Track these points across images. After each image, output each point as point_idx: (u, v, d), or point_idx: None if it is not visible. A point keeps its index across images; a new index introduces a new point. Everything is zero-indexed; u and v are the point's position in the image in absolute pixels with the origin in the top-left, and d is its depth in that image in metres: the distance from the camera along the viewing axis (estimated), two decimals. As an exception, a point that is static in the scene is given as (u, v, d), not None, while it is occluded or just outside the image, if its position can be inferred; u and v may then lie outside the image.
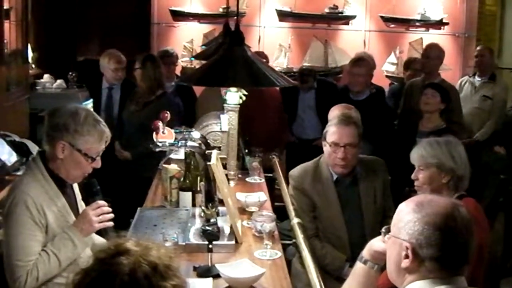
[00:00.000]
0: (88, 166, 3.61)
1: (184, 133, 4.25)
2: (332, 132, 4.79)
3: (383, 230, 2.67)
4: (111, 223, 3.65)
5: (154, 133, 4.13)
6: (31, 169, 3.61)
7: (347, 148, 4.72)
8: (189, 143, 4.19)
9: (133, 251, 1.98)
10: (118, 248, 1.99)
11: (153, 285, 1.94)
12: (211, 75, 3.10)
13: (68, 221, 3.61)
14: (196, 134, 4.29)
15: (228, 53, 3.04)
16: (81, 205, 3.84)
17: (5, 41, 6.41)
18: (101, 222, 3.61)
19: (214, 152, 4.21)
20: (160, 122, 4.16)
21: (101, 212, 3.61)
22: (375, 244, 2.79)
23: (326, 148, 4.83)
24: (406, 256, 2.42)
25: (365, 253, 2.88)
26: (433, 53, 7.71)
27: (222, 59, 3.06)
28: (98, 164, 3.64)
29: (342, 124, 4.79)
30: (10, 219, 3.45)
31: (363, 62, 7.39)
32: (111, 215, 3.65)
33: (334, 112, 5.69)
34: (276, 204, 5.35)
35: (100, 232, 3.79)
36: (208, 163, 4.06)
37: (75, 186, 3.85)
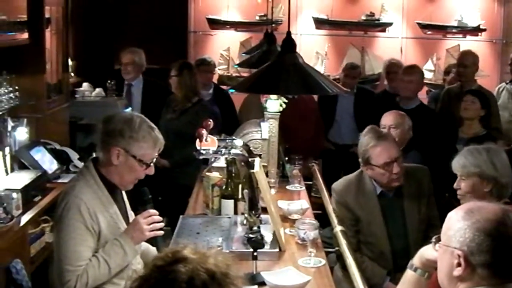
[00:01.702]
0: (141, 172, 3.65)
1: (227, 141, 4.26)
2: (377, 153, 4.68)
3: (433, 239, 2.65)
4: (161, 232, 3.68)
5: (198, 140, 4.14)
6: (84, 175, 3.64)
7: (398, 161, 4.67)
8: (233, 150, 4.19)
9: (190, 258, 1.98)
10: (176, 255, 2.00)
11: None
12: (263, 82, 3.10)
13: (120, 228, 3.64)
14: (239, 142, 4.30)
15: (280, 60, 3.04)
16: (131, 213, 3.87)
17: (46, 50, 6.47)
18: (152, 230, 3.64)
19: (257, 160, 4.21)
20: (204, 129, 4.17)
21: (152, 221, 3.63)
22: (427, 252, 2.77)
23: (375, 171, 4.72)
24: (458, 264, 2.40)
25: (416, 260, 2.86)
26: (468, 61, 7.66)
27: (273, 66, 3.06)
28: (151, 170, 3.67)
29: (382, 141, 4.72)
30: (62, 224, 3.49)
31: (414, 70, 7.33)
32: (162, 224, 3.68)
33: (386, 118, 5.69)
34: (314, 212, 5.33)
35: (150, 241, 3.82)
36: (252, 170, 4.06)
37: (124, 194, 3.88)
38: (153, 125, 3.72)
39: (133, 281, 2.00)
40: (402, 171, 4.71)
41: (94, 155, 3.83)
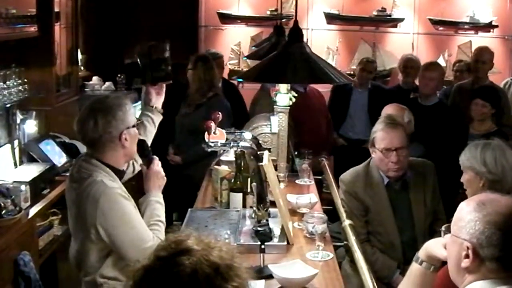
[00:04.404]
0: (137, 132, 3.82)
1: (236, 134, 4.23)
2: (381, 137, 4.73)
3: (442, 229, 2.63)
4: None
5: (206, 133, 4.12)
6: (95, 169, 3.62)
7: (398, 152, 4.67)
8: (241, 143, 4.16)
9: (195, 250, 1.94)
10: (180, 246, 1.96)
11: (214, 287, 1.93)
12: (270, 71, 3.08)
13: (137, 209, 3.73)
14: (247, 135, 4.27)
15: (287, 50, 3.01)
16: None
17: (55, 43, 6.47)
18: None
19: (266, 153, 4.19)
20: (212, 122, 4.15)
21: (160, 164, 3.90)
22: (434, 249, 2.74)
23: (377, 154, 4.77)
24: (467, 256, 2.38)
25: (421, 253, 2.84)
26: (485, 57, 7.60)
27: (281, 55, 3.03)
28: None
29: (390, 128, 4.74)
30: (118, 219, 3.52)
31: (436, 66, 7.29)
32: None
33: (386, 111, 5.67)
34: (324, 207, 5.31)
35: None
36: (261, 163, 4.04)
37: None
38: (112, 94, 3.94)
39: (136, 270, 1.97)
40: (403, 164, 4.73)
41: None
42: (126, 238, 3.52)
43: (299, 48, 2.98)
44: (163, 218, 3.78)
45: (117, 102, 3.69)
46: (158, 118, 4.40)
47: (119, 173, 3.74)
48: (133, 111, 3.83)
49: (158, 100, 4.42)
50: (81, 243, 3.64)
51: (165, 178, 3.90)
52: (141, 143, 3.85)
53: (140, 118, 4.27)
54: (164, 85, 4.42)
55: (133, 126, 3.73)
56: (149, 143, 4.13)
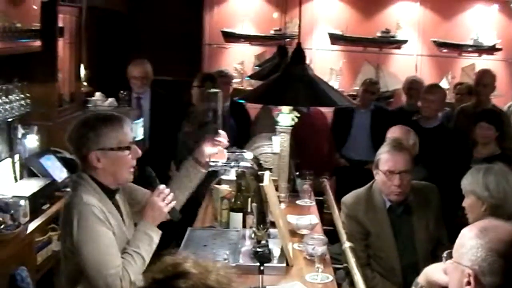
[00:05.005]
0: (128, 158, 3.55)
1: (237, 153, 4.21)
2: (385, 160, 4.69)
3: (444, 255, 2.59)
4: (174, 203, 3.67)
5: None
6: (81, 185, 3.54)
7: (402, 175, 4.63)
8: (242, 163, 4.13)
9: (191, 274, 1.91)
10: (177, 269, 1.93)
11: None
12: (272, 93, 3.07)
13: (124, 232, 3.60)
14: (248, 154, 4.25)
15: (289, 72, 3.00)
16: (127, 211, 3.80)
17: (58, 58, 6.47)
18: (167, 204, 3.64)
19: (267, 174, 4.17)
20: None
21: (164, 196, 3.62)
22: (434, 274, 2.72)
23: (380, 177, 4.73)
24: (468, 283, 2.34)
25: (421, 279, 2.82)
26: (487, 80, 7.62)
27: (283, 77, 3.02)
28: (136, 152, 3.60)
29: (395, 151, 4.70)
30: (85, 235, 3.40)
31: (437, 89, 7.27)
32: (172, 194, 3.67)
33: (391, 133, 5.64)
34: (325, 228, 5.29)
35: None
36: (261, 184, 4.02)
37: (120, 201, 3.76)
38: (109, 112, 3.77)
39: None
40: (405, 188, 4.69)
41: None
42: (89, 257, 3.41)
43: (301, 70, 2.97)
44: (143, 252, 3.52)
45: (103, 118, 3.56)
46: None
47: (109, 192, 3.60)
48: (124, 131, 3.59)
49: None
50: (62, 258, 3.62)
51: (163, 211, 3.62)
52: (143, 169, 3.72)
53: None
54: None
55: (118, 149, 3.53)
56: (182, 199, 3.98)
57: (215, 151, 4.02)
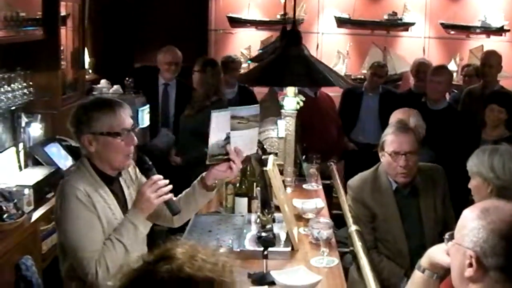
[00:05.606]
0: (122, 144, 3.50)
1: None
2: (390, 141, 4.66)
3: (446, 236, 2.55)
4: (169, 196, 3.54)
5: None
6: (79, 168, 3.58)
7: (408, 156, 4.59)
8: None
9: (176, 259, 1.89)
10: (165, 253, 1.91)
11: None
12: (269, 75, 3.04)
13: (116, 216, 3.56)
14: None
15: (285, 53, 2.96)
16: (132, 197, 3.73)
17: (61, 47, 6.45)
18: (160, 196, 3.51)
19: (271, 158, 4.14)
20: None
21: (157, 187, 3.50)
22: (437, 256, 2.67)
23: (385, 158, 4.70)
24: (470, 265, 2.29)
25: (424, 261, 2.77)
26: (493, 61, 7.54)
27: (279, 58, 2.99)
28: (132, 139, 3.54)
29: (400, 132, 4.68)
30: (66, 215, 3.42)
31: (444, 70, 7.20)
32: (169, 187, 3.54)
33: (396, 115, 5.59)
34: (333, 212, 5.25)
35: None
36: (264, 168, 3.99)
37: (123, 184, 3.76)
38: (108, 98, 3.68)
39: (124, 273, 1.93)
40: (411, 170, 4.65)
41: None
42: (67, 238, 3.43)
43: (297, 51, 2.93)
44: (125, 240, 3.45)
45: (97, 102, 3.58)
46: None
47: (107, 179, 3.59)
48: (121, 117, 3.53)
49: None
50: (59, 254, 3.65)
51: (151, 202, 3.47)
52: (139, 156, 3.65)
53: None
54: None
55: (108, 134, 3.49)
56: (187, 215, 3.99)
57: (228, 176, 3.93)
